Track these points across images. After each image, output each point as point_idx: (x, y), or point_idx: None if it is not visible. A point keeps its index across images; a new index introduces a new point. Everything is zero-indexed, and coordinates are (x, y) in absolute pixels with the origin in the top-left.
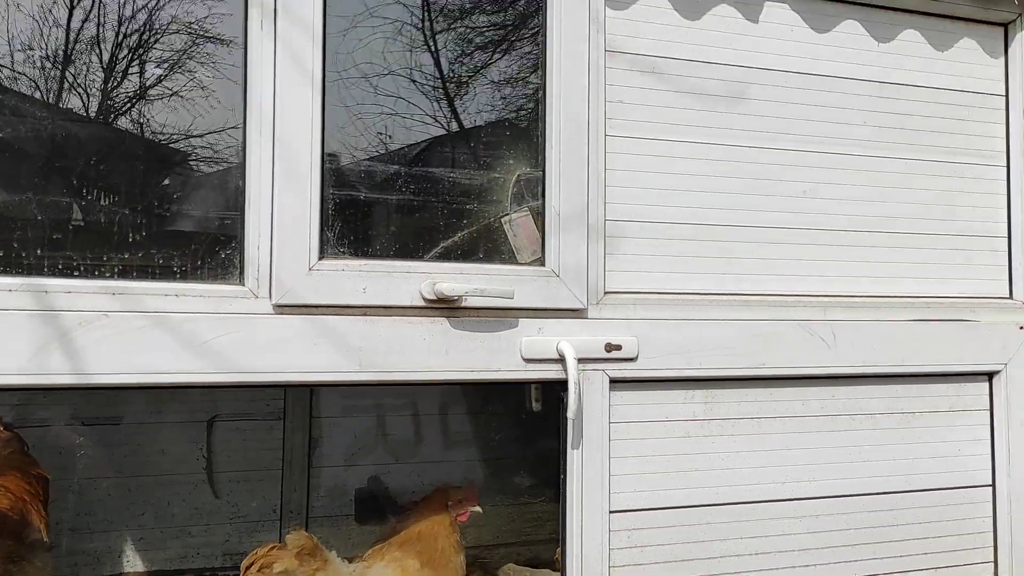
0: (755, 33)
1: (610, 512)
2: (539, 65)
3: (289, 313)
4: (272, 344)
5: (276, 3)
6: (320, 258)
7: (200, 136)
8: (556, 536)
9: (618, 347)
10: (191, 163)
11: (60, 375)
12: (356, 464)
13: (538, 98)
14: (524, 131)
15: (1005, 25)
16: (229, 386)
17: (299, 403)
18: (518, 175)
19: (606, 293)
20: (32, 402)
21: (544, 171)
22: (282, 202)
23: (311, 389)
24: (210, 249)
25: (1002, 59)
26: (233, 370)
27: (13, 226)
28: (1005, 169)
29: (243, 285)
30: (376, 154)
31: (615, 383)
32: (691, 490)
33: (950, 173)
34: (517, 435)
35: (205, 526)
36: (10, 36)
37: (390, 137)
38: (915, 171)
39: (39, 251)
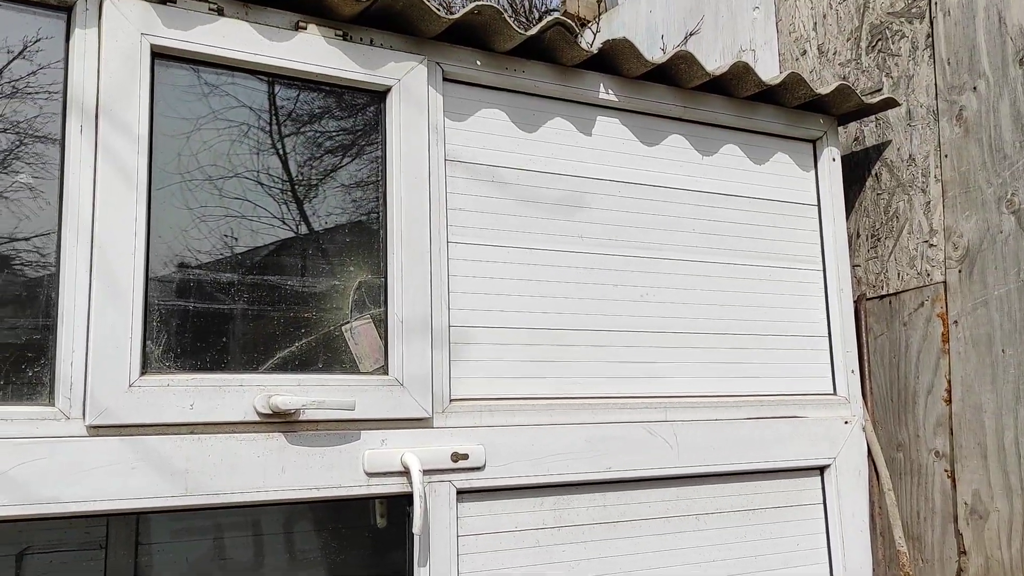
0: (588, 145)
1: None
2: (379, 174)
3: (105, 435)
4: (86, 470)
5: (97, 108)
6: (142, 373)
7: (26, 239)
8: None
9: (465, 456)
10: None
11: None
12: None
13: (380, 205)
14: (366, 238)
15: (813, 142)
16: (33, 519)
17: (123, 529)
18: (359, 281)
19: (452, 400)
20: None
21: (386, 277)
22: (100, 314)
23: (136, 514)
24: (15, 366)
25: (812, 172)
26: (39, 501)
27: None
28: (821, 273)
29: (53, 406)
30: (222, 257)
31: (462, 494)
32: None
33: (775, 277)
34: (367, 552)
35: None
36: None
37: (236, 239)
38: (741, 275)
39: None
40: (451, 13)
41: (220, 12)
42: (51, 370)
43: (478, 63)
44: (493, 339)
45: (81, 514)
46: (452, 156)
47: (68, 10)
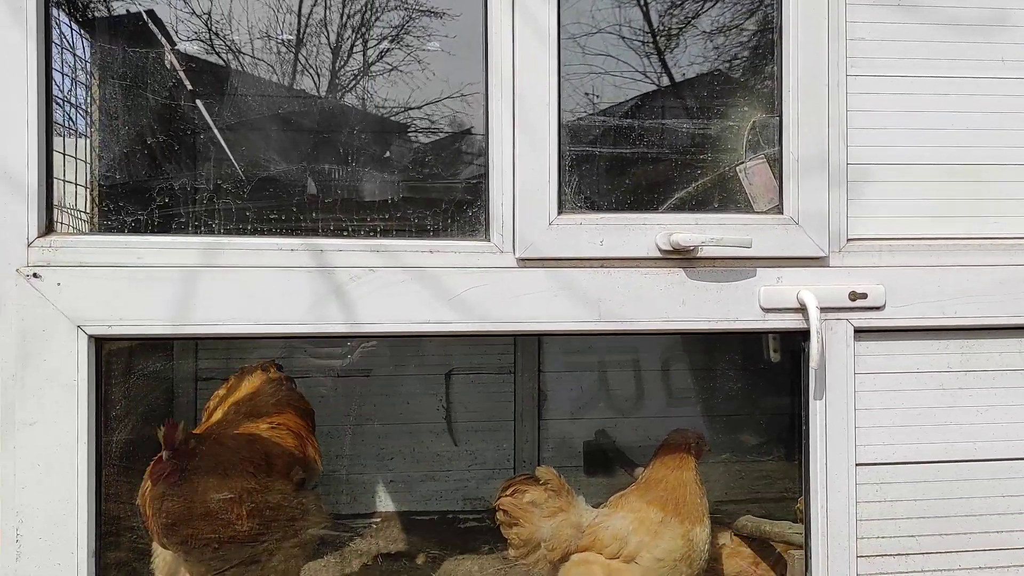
0: None
1: (856, 464)
2: (775, 9)
3: (531, 266)
4: (517, 296)
5: None
6: (559, 213)
7: (423, 106)
8: (787, 494)
9: (863, 295)
10: (422, 131)
11: (336, 324)
12: (582, 417)
13: (758, 46)
14: (756, 79)
15: None
16: (480, 335)
17: (528, 357)
18: (753, 122)
19: (849, 240)
20: (294, 354)
21: (781, 116)
22: (523, 160)
23: (539, 344)
24: (458, 208)
25: None
26: (483, 320)
27: (292, 192)
28: None
29: (489, 241)
30: (619, 105)
31: (860, 333)
32: (947, 444)
33: None
34: (743, 392)
35: (446, 471)
36: (249, 24)
37: (598, 96)
38: None
39: (314, 215)
40: None
41: None
42: (485, 210)
43: None
44: (895, 176)
45: (518, 333)
46: None
47: None
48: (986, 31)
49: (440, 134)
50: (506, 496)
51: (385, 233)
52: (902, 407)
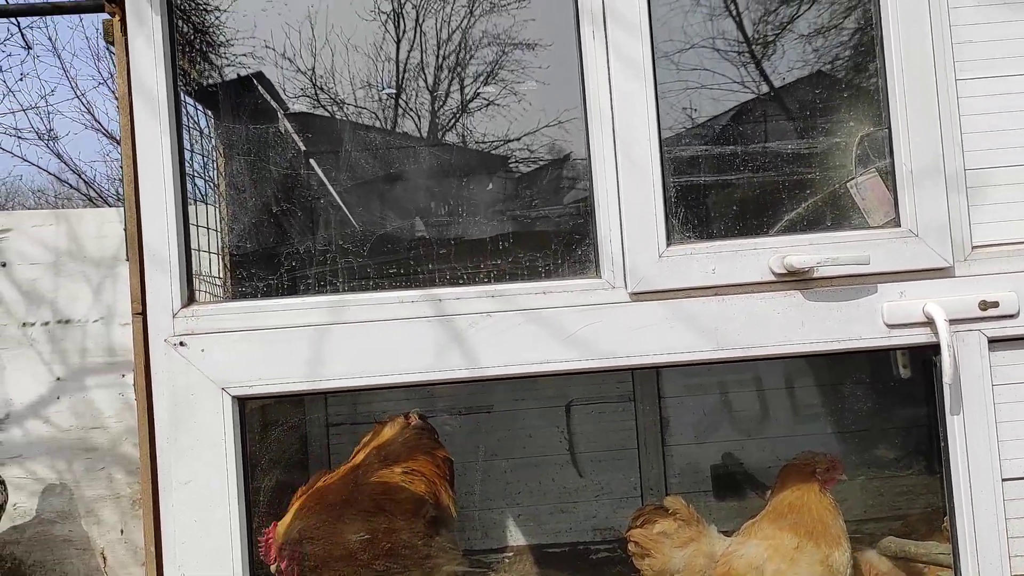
0: None
1: (1003, 480)
2: (875, 18)
3: (644, 300)
4: (632, 329)
5: (604, 11)
6: (668, 244)
7: (520, 139)
8: (930, 509)
9: (994, 304)
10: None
11: (459, 370)
12: (707, 441)
13: (859, 45)
14: (862, 90)
15: None
16: (597, 371)
17: (647, 384)
18: (861, 136)
19: (974, 248)
20: (416, 396)
21: (890, 128)
22: (628, 195)
23: (657, 371)
24: (567, 247)
25: None
26: (600, 356)
27: (408, 245)
28: None
29: (600, 277)
30: (718, 130)
31: (994, 343)
32: None
33: None
34: (874, 406)
35: (573, 503)
36: (351, 76)
37: (695, 110)
38: None
39: (430, 265)
40: None
41: None
42: (595, 248)
43: None
44: (1017, 178)
45: (636, 367)
46: None
47: None
48: None
49: (540, 163)
50: (636, 527)
51: (498, 277)
52: None
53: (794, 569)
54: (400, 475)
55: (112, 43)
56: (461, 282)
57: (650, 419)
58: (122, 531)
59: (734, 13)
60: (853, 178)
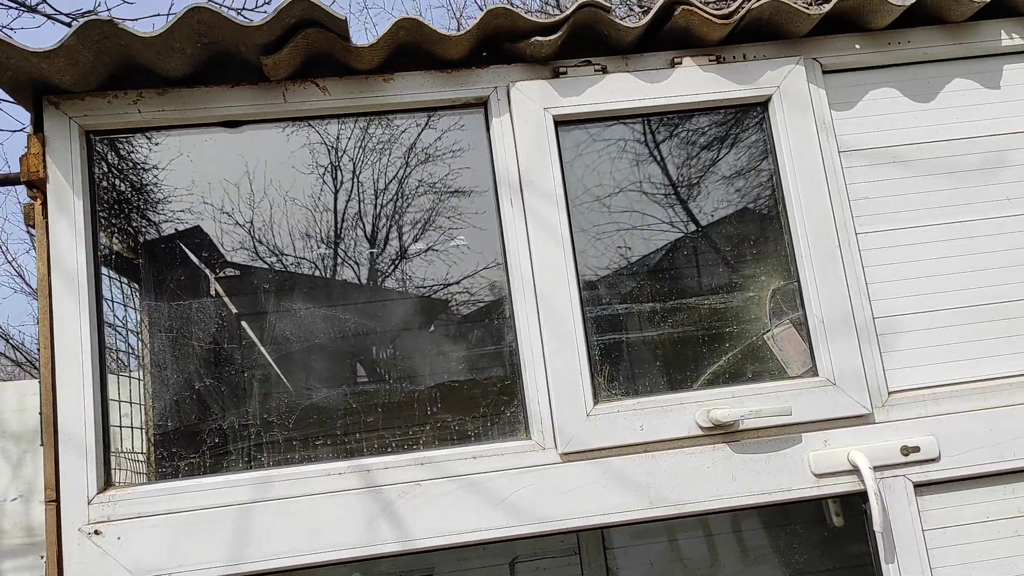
0: (999, 99)
1: None
2: (773, 183)
3: (575, 460)
4: (564, 491)
5: (520, 181)
6: (595, 403)
7: (457, 283)
8: None
9: (915, 448)
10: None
11: (388, 544)
12: None
13: (773, 186)
14: (771, 247)
15: None
16: (533, 536)
17: (592, 536)
18: (773, 289)
19: (890, 393)
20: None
21: (799, 280)
22: (552, 355)
23: (611, 527)
24: (496, 409)
25: None
26: (533, 521)
27: (337, 415)
28: None
29: (530, 439)
30: (641, 288)
31: (920, 487)
32: None
33: None
34: (823, 545)
35: None
36: (290, 227)
37: (629, 248)
38: None
39: (358, 435)
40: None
41: (604, 71)
42: (523, 408)
43: (857, 47)
44: (925, 324)
45: (569, 530)
46: (845, 146)
47: (483, 105)
48: (986, 174)
49: (482, 303)
50: None
51: (427, 443)
52: (979, 559)
53: None
54: None
55: (33, 226)
56: (390, 450)
57: (597, 572)
58: None
59: (658, 158)
60: (769, 330)
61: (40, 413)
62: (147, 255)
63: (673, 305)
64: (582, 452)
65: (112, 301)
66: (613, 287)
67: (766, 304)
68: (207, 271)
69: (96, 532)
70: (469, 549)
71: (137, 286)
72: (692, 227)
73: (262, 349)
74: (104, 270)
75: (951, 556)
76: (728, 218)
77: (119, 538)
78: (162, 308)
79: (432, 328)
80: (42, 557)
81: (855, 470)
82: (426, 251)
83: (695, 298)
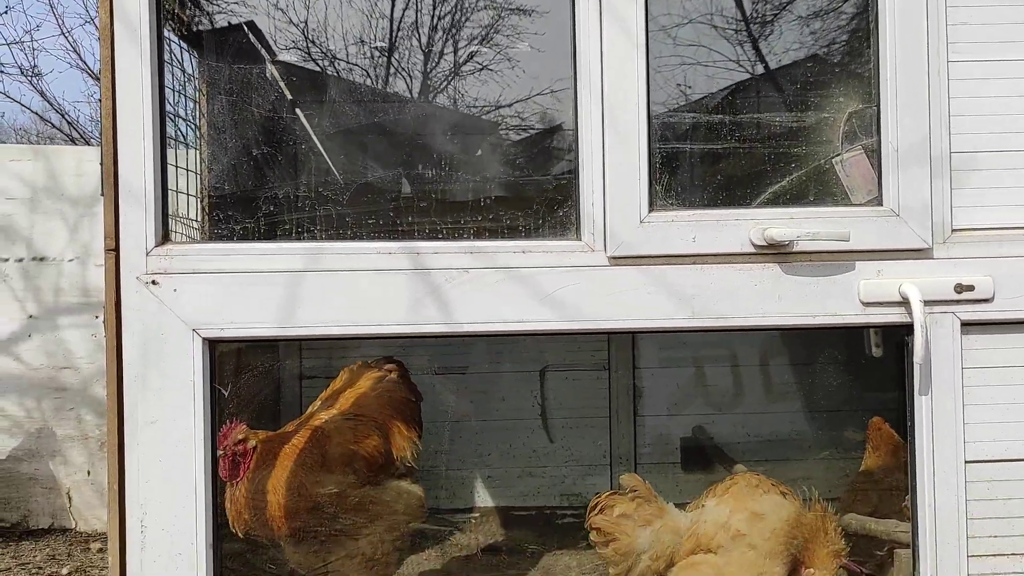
0: None
1: (966, 462)
2: None
3: (623, 265)
4: (609, 294)
5: None
6: (650, 210)
7: (513, 103)
8: (894, 489)
9: (970, 287)
10: (513, 128)
11: (433, 324)
12: (679, 413)
13: (856, 29)
14: (852, 67)
15: None
16: (573, 333)
17: (623, 353)
18: (849, 112)
19: (953, 231)
20: (391, 352)
21: (879, 106)
22: (613, 159)
23: (633, 340)
24: (549, 208)
25: None
26: (575, 318)
27: (389, 197)
28: None
29: (580, 239)
30: (709, 98)
31: (967, 326)
32: None
33: None
34: (844, 388)
35: (542, 467)
36: (344, 31)
37: (690, 87)
38: None
39: (410, 218)
40: None
41: None
42: (576, 210)
43: None
44: (1002, 164)
45: (611, 331)
46: None
47: None
48: None
49: (531, 131)
50: (595, 515)
51: (479, 235)
52: (1014, 403)
53: (757, 511)
54: (340, 422)
55: None
56: (440, 237)
57: (624, 388)
58: (89, 472)
59: None
60: (839, 154)
61: (101, 163)
62: (210, 26)
63: (743, 119)
64: (631, 258)
65: (172, 64)
66: (683, 94)
67: (840, 127)
68: (265, 54)
69: (153, 283)
70: (503, 354)
71: (197, 52)
72: (763, 65)
73: (312, 134)
74: (166, 33)
75: (985, 395)
76: (808, 56)
77: (175, 290)
78: (223, 72)
79: (479, 152)
80: (97, 317)
81: (904, 302)
82: (480, 70)
83: (767, 113)
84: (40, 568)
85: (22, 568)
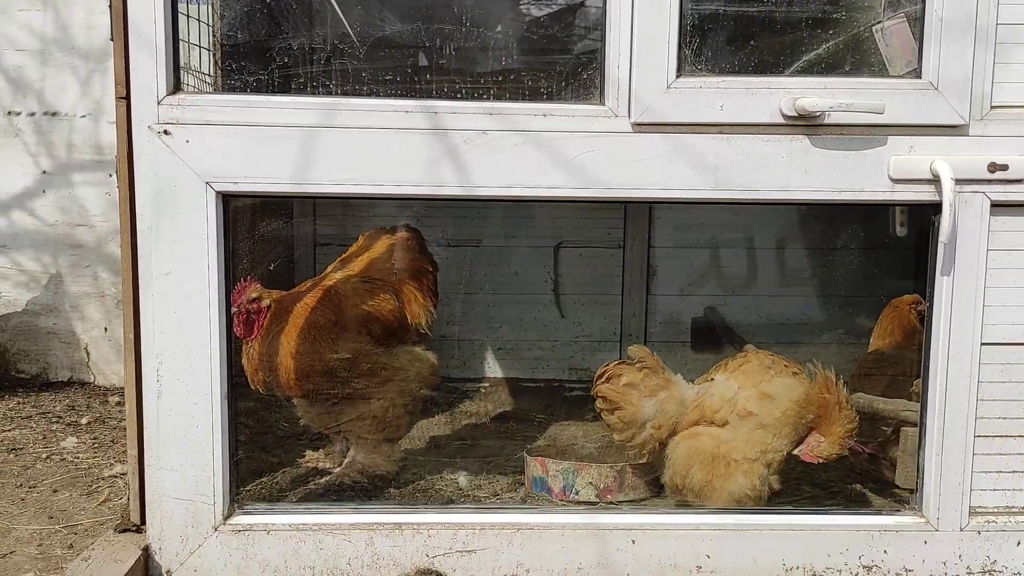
0: None
1: (982, 344)
2: None
3: (647, 131)
4: (631, 162)
5: None
6: (678, 75)
7: None
8: (903, 376)
9: (1004, 167)
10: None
11: (449, 187)
12: (692, 294)
13: None
14: None
15: None
16: (592, 200)
17: (638, 231)
18: None
19: (993, 107)
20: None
21: None
22: (641, 19)
23: (649, 218)
24: (573, 70)
25: None
26: (595, 185)
27: (407, 54)
28: None
29: (603, 104)
30: None
31: (996, 207)
32: None
33: None
34: (859, 275)
35: (553, 341)
36: None
37: None
38: None
39: (428, 76)
40: None
41: None
42: (601, 72)
43: None
44: None
45: (631, 199)
46: None
47: None
48: None
49: (555, 5)
50: (602, 383)
51: (499, 96)
52: None
53: (767, 392)
54: (356, 284)
55: None
56: (459, 96)
57: (637, 266)
58: (106, 328)
59: None
60: (880, 22)
61: (110, 6)
62: None
63: None
64: (655, 124)
65: None
66: None
67: None
68: None
69: (165, 132)
70: (518, 227)
71: None
72: None
73: None
74: None
75: (1008, 278)
76: None
77: (187, 141)
78: None
79: (498, 28)
80: (111, 175)
81: (935, 180)
82: None
83: None
84: (60, 417)
85: (43, 417)
